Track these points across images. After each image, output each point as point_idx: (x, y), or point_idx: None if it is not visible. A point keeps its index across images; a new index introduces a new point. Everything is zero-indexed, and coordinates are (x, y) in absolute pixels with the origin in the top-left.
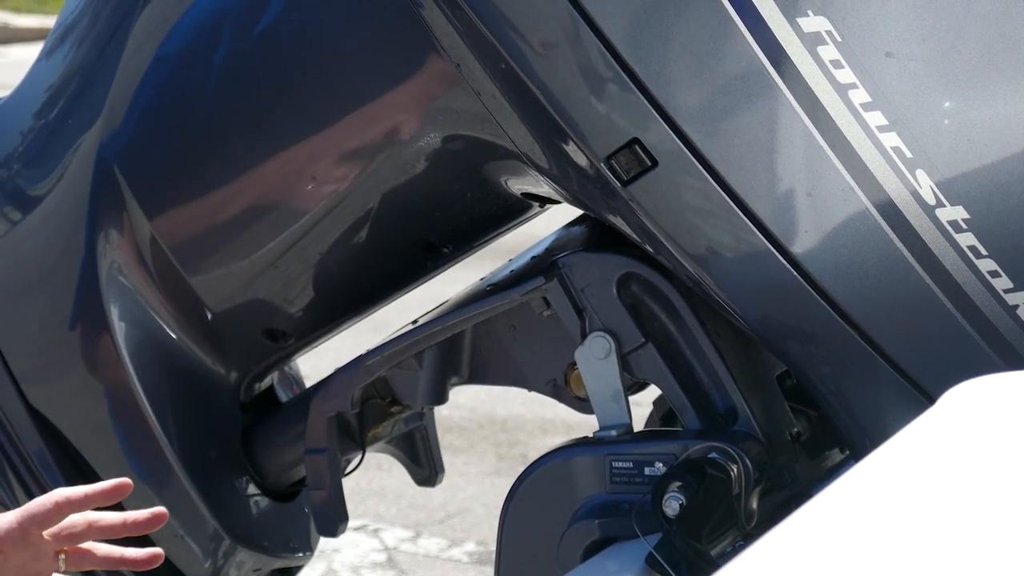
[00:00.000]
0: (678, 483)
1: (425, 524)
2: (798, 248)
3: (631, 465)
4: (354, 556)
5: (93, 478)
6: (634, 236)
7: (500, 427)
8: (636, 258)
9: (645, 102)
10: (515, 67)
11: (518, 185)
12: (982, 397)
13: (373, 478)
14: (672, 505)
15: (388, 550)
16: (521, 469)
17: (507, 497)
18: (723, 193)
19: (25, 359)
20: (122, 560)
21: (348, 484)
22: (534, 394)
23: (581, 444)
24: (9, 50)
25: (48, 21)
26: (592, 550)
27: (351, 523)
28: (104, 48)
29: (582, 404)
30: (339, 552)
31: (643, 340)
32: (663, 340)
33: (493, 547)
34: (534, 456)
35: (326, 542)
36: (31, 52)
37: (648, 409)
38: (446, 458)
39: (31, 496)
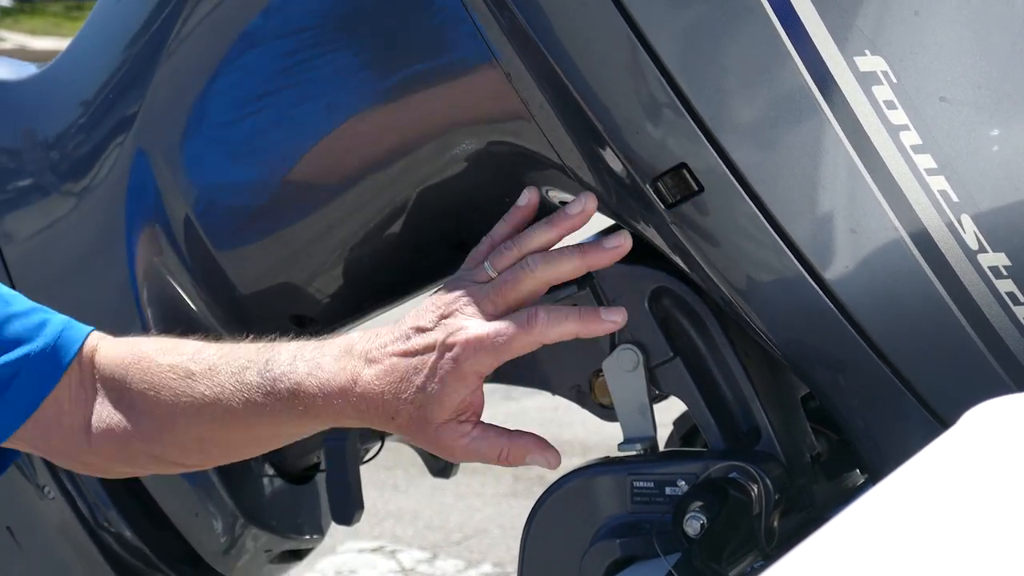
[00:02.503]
0: (699, 503)
1: (442, 545)
2: (837, 281)
3: (652, 485)
4: None
5: None
6: (670, 253)
7: None
8: (669, 273)
9: (696, 128)
10: (566, 81)
11: (556, 193)
12: (1003, 417)
13: (390, 499)
14: (693, 525)
15: (405, 571)
16: (537, 490)
17: (528, 517)
18: (766, 223)
19: None
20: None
21: (365, 505)
22: (551, 416)
23: (602, 464)
24: None
25: (64, 44)
26: (613, 569)
27: (368, 545)
28: (150, 30)
29: (605, 411)
30: (356, 574)
31: (671, 355)
32: (691, 356)
33: (510, 568)
34: (550, 478)
35: (343, 563)
36: None
37: (669, 429)
38: (463, 479)
39: (59, 481)
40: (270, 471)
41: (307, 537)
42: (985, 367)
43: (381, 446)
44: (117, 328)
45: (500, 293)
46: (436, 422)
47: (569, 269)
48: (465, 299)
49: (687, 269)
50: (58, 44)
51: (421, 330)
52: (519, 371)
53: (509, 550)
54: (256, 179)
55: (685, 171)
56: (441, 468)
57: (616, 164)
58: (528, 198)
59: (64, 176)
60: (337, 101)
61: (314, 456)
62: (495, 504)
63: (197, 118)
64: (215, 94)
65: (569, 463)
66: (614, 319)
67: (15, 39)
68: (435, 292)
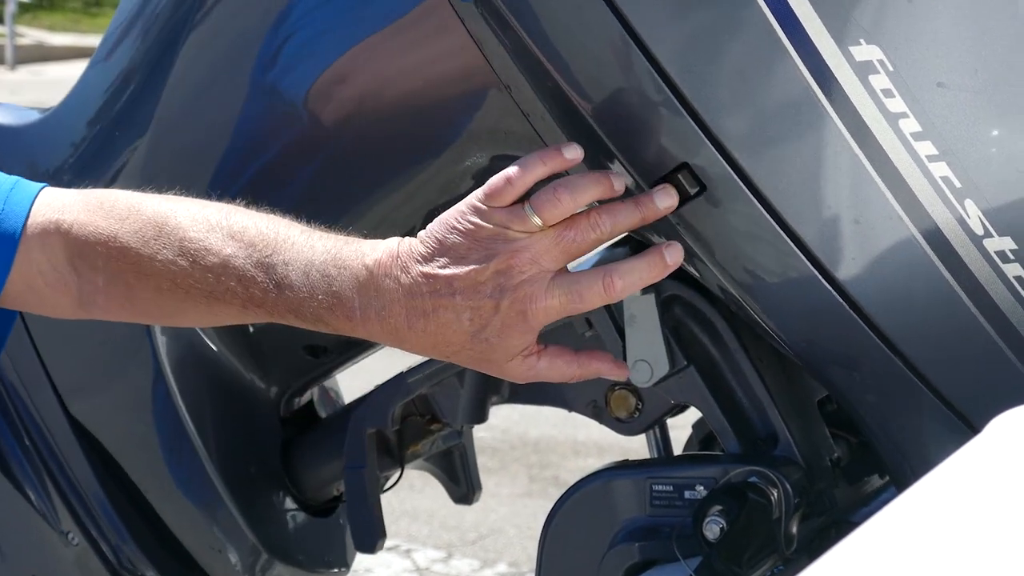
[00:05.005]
0: (719, 507)
1: (457, 545)
2: (844, 275)
3: (671, 488)
4: None
5: (132, 490)
6: None
7: (532, 449)
8: (679, 280)
9: (695, 127)
10: (565, 88)
11: None
12: None
13: (405, 498)
14: (712, 529)
15: (420, 571)
16: (553, 491)
17: (547, 519)
18: (771, 219)
19: (69, 373)
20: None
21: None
22: (566, 416)
23: (621, 467)
24: (45, 68)
25: (82, 40)
26: (632, 573)
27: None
28: (154, 61)
29: (622, 425)
30: (371, 572)
31: (685, 363)
32: (705, 363)
33: (525, 568)
34: (566, 478)
35: (358, 561)
36: (66, 70)
37: (687, 432)
38: None
39: (70, 507)
40: (292, 505)
41: (334, 570)
42: (998, 355)
43: (401, 474)
44: (128, 353)
45: (566, 251)
46: (500, 363)
47: (629, 226)
48: (522, 256)
49: (696, 273)
50: (76, 40)
51: (477, 287)
52: (533, 389)
53: (524, 550)
54: (266, 206)
55: (687, 171)
56: (463, 495)
57: (618, 169)
58: (575, 152)
59: None
60: (345, 119)
61: (334, 488)
62: (510, 504)
63: (203, 144)
64: (223, 110)
65: (585, 464)
66: (676, 258)
67: (33, 35)
68: (469, 223)
